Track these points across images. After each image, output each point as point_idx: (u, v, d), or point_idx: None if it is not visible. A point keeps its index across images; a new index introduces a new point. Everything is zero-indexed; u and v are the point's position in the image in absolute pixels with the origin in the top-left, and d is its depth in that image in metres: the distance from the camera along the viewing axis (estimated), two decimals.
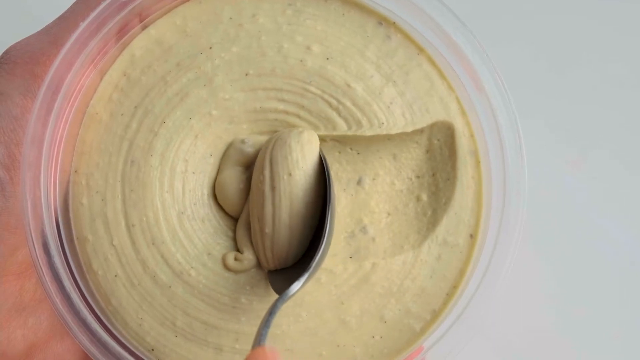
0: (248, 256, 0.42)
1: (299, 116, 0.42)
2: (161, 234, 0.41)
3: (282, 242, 0.41)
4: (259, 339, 0.35)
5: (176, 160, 0.42)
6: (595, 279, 0.55)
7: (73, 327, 0.39)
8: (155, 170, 0.42)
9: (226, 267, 0.42)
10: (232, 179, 0.42)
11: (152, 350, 0.42)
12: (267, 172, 0.40)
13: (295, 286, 0.38)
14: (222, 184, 0.42)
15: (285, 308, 0.41)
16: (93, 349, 0.39)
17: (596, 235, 0.56)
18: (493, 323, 0.54)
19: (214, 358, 0.42)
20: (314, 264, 0.38)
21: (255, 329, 0.41)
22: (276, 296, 0.39)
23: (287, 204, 0.40)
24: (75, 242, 0.42)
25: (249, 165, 0.42)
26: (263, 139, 0.43)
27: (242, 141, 0.42)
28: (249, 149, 0.42)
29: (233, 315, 0.42)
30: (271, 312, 0.36)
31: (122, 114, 0.42)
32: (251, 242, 0.42)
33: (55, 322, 0.41)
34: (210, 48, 0.42)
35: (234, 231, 0.43)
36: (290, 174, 0.40)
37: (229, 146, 0.43)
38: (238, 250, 0.43)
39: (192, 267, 0.41)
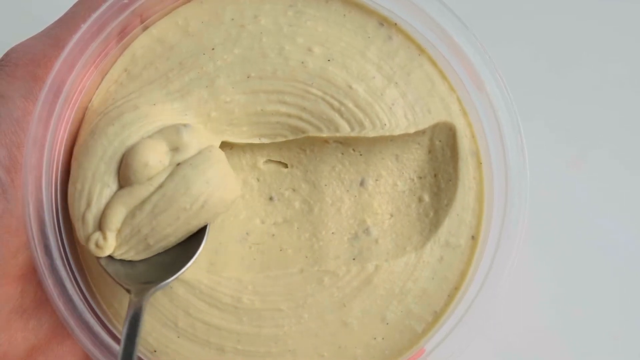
0: (111, 243, 0.39)
1: (300, 118, 0.42)
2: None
3: (156, 251, 0.40)
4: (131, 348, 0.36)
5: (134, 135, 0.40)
6: (595, 279, 0.56)
7: (76, 330, 0.39)
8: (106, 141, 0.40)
9: (87, 246, 0.39)
10: (150, 148, 0.39)
11: (155, 351, 0.42)
12: (199, 204, 0.39)
13: (163, 282, 0.39)
14: (135, 148, 0.39)
15: (287, 309, 0.42)
16: (96, 352, 0.39)
17: (596, 235, 0.56)
18: (493, 323, 0.54)
19: (216, 359, 0.42)
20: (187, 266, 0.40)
21: (257, 330, 0.41)
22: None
23: (185, 232, 0.40)
24: (77, 243, 0.42)
25: (174, 149, 0.40)
26: (207, 137, 0.41)
27: (185, 125, 0.40)
28: (185, 137, 0.39)
29: (235, 315, 0.42)
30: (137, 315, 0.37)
31: (114, 100, 0.41)
32: (119, 228, 0.40)
33: (56, 324, 0.41)
34: (213, 49, 0.42)
35: None
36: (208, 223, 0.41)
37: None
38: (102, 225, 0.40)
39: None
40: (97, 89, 0.42)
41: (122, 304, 0.42)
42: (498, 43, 0.55)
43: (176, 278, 0.39)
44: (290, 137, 0.42)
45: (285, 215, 0.44)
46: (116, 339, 0.41)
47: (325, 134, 0.42)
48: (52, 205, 0.40)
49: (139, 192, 0.39)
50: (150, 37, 0.42)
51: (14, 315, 0.40)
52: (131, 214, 0.39)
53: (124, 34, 0.42)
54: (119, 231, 0.39)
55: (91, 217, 0.39)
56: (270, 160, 0.44)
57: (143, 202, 0.39)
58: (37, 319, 0.41)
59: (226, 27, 0.42)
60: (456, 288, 0.42)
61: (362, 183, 0.44)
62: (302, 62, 0.42)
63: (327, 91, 0.42)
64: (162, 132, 0.40)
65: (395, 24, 0.43)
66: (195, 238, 0.41)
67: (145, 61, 0.42)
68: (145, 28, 0.42)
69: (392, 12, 0.43)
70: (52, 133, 0.39)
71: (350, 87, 0.42)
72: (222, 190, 0.40)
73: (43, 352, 0.41)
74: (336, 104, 0.42)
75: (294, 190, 0.44)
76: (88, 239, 0.39)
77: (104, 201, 0.39)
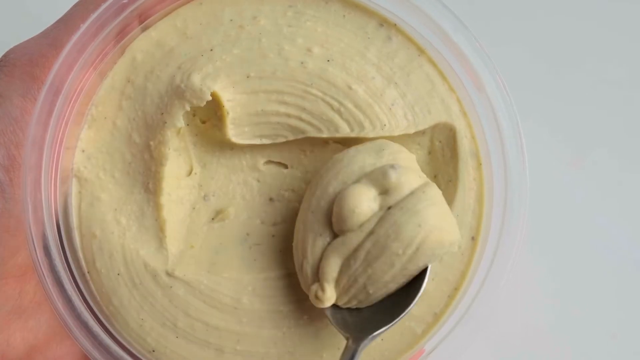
0: (330, 294, 0.39)
1: (300, 119, 0.42)
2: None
3: (379, 297, 0.40)
4: None
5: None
6: (594, 279, 0.56)
7: (74, 331, 0.39)
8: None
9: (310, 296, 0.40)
10: (358, 194, 0.38)
11: (153, 351, 0.42)
12: (413, 248, 0.38)
13: (379, 330, 0.39)
14: (343, 196, 0.38)
15: (287, 311, 0.42)
16: (95, 352, 0.39)
17: (596, 235, 0.56)
18: (493, 323, 0.54)
19: (215, 359, 0.41)
20: (404, 314, 0.39)
21: (256, 331, 0.41)
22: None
23: (404, 277, 0.39)
24: (78, 241, 0.42)
25: (384, 193, 0.39)
26: (419, 174, 0.40)
27: (392, 166, 0.38)
28: (394, 178, 0.38)
29: (234, 316, 0.42)
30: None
31: (133, 119, 0.42)
32: (336, 278, 0.39)
33: (55, 324, 0.41)
34: (211, 50, 0.42)
35: None
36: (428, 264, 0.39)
37: (367, 166, 0.39)
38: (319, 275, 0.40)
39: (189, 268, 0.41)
40: (96, 90, 0.42)
41: (121, 302, 0.42)
42: (496, 44, 0.55)
43: (395, 324, 0.39)
44: (291, 138, 0.42)
45: (285, 216, 0.44)
46: (114, 339, 0.41)
47: (325, 135, 0.42)
48: (52, 206, 0.40)
49: (351, 240, 0.38)
50: (150, 40, 0.42)
51: (13, 316, 0.40)
52: (346, 263, 0.39)
53: (122, 35, 0.41)
54: (337, 281, 0.39)
55: (309, 268, 0.39)
56: (270, 161, 0.44)
57: (356, 250, 0.38)
58: (35, 319, 0.41)
59: (225, 29, 0.42)
60: (456, 289, 0.42)
61: None
62: (302, 63, 0.42)
63: (326, 92, 0.42)
64: (369, 176, 0.39)
65: (395, 24, 0.43)
66: (417, 278, 0.40)
67: (145, 69, 0.42)
68: (145, 29, 0.42)
69: (392, 12, 0.43)
70: (52, 133, 0.39)
71: (350, 87, 0.42)
72: (438, 231, 0.38)
73: (42, 352, 0.41)
74: (336, 104, 0.42)
75: (293, 191, 0.44)
76: (309, 289, 0.40)
77: (318, 251, 0.39)
